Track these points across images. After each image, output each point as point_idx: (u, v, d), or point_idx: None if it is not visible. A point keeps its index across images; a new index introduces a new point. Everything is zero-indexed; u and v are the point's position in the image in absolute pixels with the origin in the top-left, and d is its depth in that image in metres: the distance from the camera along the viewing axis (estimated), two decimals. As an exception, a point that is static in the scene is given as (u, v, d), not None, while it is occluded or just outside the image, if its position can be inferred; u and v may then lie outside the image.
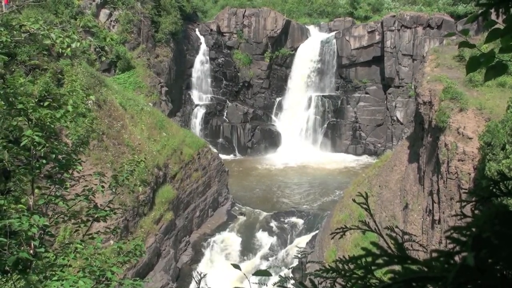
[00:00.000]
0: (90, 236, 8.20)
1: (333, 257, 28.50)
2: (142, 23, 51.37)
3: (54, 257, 7.53)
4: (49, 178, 7.84)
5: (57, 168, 7.81)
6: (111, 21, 50.26)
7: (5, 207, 7.13)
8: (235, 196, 44.80)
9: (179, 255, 34.43)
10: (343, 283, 1.66)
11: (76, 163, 8.10)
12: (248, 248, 36.55)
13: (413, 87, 41.90)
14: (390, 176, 33.01)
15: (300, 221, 39.55)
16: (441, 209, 24.49)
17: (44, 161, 7.54)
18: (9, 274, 7.01)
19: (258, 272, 3.09)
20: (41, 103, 8.00)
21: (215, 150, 48.20)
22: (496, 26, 2.10)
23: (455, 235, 1.27)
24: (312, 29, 63.66)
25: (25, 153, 7.58)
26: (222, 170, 43.40)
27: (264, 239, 37.38)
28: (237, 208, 42.63)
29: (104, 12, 49.85)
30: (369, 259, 1.38)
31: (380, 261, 1.34)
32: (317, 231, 36.62)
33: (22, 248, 6.83)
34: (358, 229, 2.81)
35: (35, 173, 7.41)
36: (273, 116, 62.48)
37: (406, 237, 3.17)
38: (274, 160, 57.16)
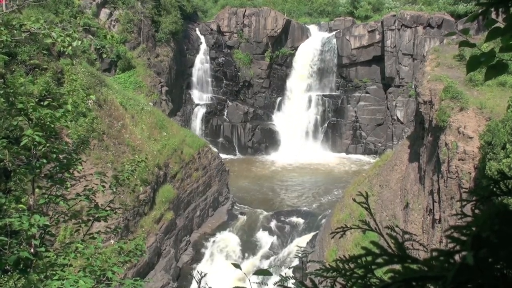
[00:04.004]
0: (91, 235, 8.21)
1: (333, 256, 28.50)
2: (142, 22, 51.37)
3: (55, 256, 7.53)
4: (49, 178, 7.84)
5: (57, 168, 7.81)
6: (111, 20, 50.25)
7: (5, 207, 7.14)
8: (236, 196, 44.81)
9: (180, 255, 34.44)
10: (343, 282, 1.66)
11: (76, 162, 8.11)
12: (248, 248, 36.57)
13: (413, 87, 41.88)
14: (391, 176, 33.00)
15: (300, 221, 39.56)
16: (442, 209, 24.48)
17: (44, 160, 7.54)
18: (10, 273, 7.02)
19: (258, 272, 3.09)
20: (41, 103, 8.00)
21: (215, 150, 48.21)
22: (496, 25, 2.10)
23: (455, 234, 1.28)
24: (313, 28, 63.63)
25: (26, 152, 7.59)
26: (222, 170, 43.40)
27: (265, 239, 37.40)
28: (238, 208, 42.64)
29: (104, 12, 49.85)
30: (369, 258, 1.38)
31: (380, 260, 1.34)
32: (317, 231, 36.62)
33: (23, 247, 6.84)
34: (359, 229, 2.82)
35: (35, 173, 7.42)
36: (273, 116, 62.47)
37: (406, 236, 3.17)
38: (275, 159, 57.17)
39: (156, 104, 46.92)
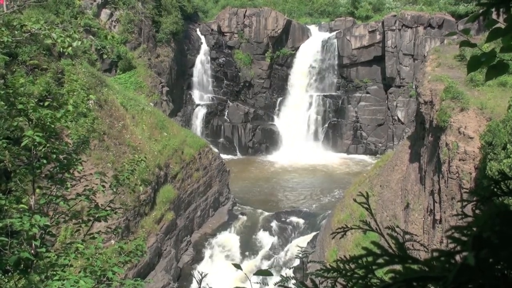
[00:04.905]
0: (91, 236, 8.21)
1: (334, 256, 28.49)
2: (143, 23, 51.39)
3: (55, 257, 7.53)
4: (50, 178, 7.84)
5: (58, 168, 7.81)
6: (112, 21, 50.29)
7: (6, 207, 7.14)
8: (236, 196, 44.80)
9: (180, 255, 34.44)
10: (344, 282, 1.66)
11: (77, 163, 8.11)
12: (249, 248, 36.56)
13: (414, 87, 41.87)
14: (391, 176, 32.98)
15: (301, 221, 39.54)
16: (442, 209, 24.47)
17: (44, 161, 7.54)
18: (10, 274, 7.02)
19: (259, 272, 3.08)
20: (42, 103, 8.01)
21: (216, 150, 48.22)
22: (497, 25, 2.09)
23: (456, 234, 1.27)
24: (313, 28, 63.67)
25: (26, 153, 7.59)
26: (223, 170, 43.41)
27: (265, 239, 37.38)
28: (238, 208, 42.63)
29: (105, 12, 49.89)
30: (370, 258, 1.38)
31: (381, 260, 1.34)
32: (318, 231, 36.61)
33: (23, 248, 6.84)
34: (359, 229, 2.81)
35: (36, 173, 7.42)
36: (274, 116, 62.48)
37: (407, 236, 3.17)
38: (275, 160, 57.17)
39: (157, 104, 46.95)
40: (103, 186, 8.29)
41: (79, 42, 7.79)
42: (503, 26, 1.99)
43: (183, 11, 58.15)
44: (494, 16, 1.98)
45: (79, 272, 7.51)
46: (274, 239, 37.19)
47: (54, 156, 7.64)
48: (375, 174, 35.48)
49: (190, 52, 60.27)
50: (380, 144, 58.68)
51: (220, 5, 66.86)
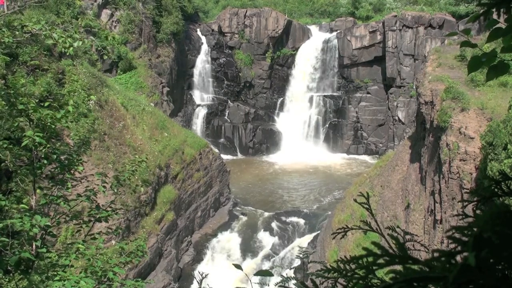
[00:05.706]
0: (92, 236, 8.21)
1: (334, 257, 28.48)
2: (143, 23, 51.40)
3: (56, 257, 7.54)
4: (50, 179, 7.84)
5: (58, 169, 7.81)
6: (112, 21, 50.31)
7: (7, 207, 7.15)
8: (237, 196, 44.80)
9: (181, 255, 34.44)
10: (344, 283, 1.66)
11: (77, 163, 8.11)
12: (249, 248, 36.55)
13: (414, 87, 41.85)
14: (392, 176, 32.97)
15: (301, 221, 39.54)
16: (443, 209, 24.46)
17: (45, 161, 7.54)
18: (11, 274, 7.02)
19: (259, 272, 3.08)
20: (42, 104, 8.02)
21: (216, 150, 48.23)
22: (498, 25, 2.10)
23: (456, 235, 1.27)
24: (314, 29, 63.71)
25: (27, 153, 7.59)
26: (223, 170, 43.41)
27: (266, 239, 37.38)
28: (239, 208, 42.63)
29: (105, 13, 49.91)
30: (371, 259, 1.38)
31: (381, 261, 1.34)
32: (318, 231, 36.61)
33: (24, 248, 6.85)
34: (360, 229, 2.81)
35: (36, 174, 7.42)
36: (274, 116, 62.50)
37: (407, 237, 3.17)
38: (276, 160, 57.17)
39: (157, 104, 46.95)
40: (104, 187, 8.29)
41: (80, 43, 7.79)
42: (503, 26, 2.00)
43: (183, 12, 58.18)
44: (494, 16, 1.98)
45: (80, 272, 7.51)
46: (275, 240, 37.20)
47: (55, 156, 7.64)
48: (375, 174, 35.47)
49: (190, 53, 60.31)
50: (380, 144, 58.67)
51: (221, 5, 66.91)
